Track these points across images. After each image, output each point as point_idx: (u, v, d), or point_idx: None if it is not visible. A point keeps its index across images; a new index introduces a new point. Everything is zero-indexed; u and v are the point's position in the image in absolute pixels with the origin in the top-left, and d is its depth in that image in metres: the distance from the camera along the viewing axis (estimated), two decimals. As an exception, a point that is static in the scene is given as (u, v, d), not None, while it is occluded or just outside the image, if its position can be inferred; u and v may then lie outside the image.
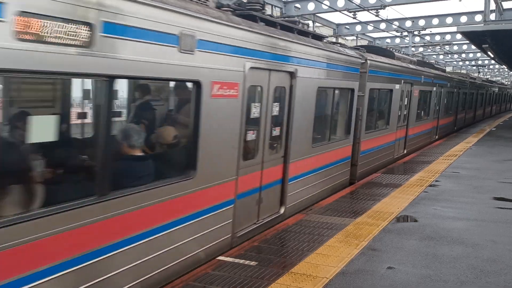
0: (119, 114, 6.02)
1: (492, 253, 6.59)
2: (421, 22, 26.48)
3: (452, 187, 10.83)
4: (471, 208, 9.02)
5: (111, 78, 4.37)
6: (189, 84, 5.62)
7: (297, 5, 20.54)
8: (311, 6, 20.56)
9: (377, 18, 21.83)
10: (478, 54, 40.07)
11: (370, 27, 26.90)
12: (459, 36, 28.12)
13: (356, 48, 12.66)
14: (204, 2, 5.98)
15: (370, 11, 19.93)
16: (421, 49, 36.17)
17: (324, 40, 9.90)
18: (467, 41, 26.14)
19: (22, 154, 4.26)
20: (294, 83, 7.86)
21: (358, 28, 27.42)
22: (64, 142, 5.09)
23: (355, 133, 11.23)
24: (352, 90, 10.70)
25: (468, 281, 5.61)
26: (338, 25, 26.54)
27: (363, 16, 22.54)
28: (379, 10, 19.94)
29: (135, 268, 4.92)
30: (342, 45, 11.52)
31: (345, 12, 19.81)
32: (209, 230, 6.08)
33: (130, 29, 4.47)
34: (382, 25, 26.21)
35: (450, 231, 7.49)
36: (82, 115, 5.52)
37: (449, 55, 38.09)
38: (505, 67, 43.04)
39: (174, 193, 5.36)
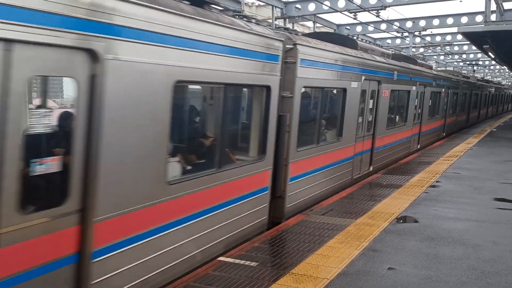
0: None
1: (493, 254, 6.58)
2: (422, 23, 26.47)
3: (453, 188, 10.82)
4: (472, 209, 9.02)
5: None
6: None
7: (298, 5, 20.53)
8: (311, 7, 20.53)
9: (377, 19, 21.81)
10: (479, 55, 40.06)
11: (370, 28, 26.90)
12: (459, 36, 28.11)
13: (284, 29, 10.04)
14: None
15: (371, 11, 19.92)
16: (421, 49, 36.19)
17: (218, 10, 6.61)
18: (468, 42, 26.13)
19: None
20: (100, 69, 4.34)
21: (359, 28, 27.41)
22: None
23: (277, 152, 7.85)
24: (268, 88, 7.35)
25: (469, 282, 5.61)
26: (338, 25, 26.53)
27: (363, 16, 22.53)
28: (379, 11, 19.93)
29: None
30: (255, 21, 7.86)
31: (346, 12, 19.80)
32: None
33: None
34: (383, 26, 26.19)
35: (451, 232, 7.48)
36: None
37: (450, 56, 38.01)
38: (506, 67, 43.03)
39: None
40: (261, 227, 7.66)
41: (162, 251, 5.40)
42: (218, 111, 6.56)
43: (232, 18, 6.72)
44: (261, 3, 18.13)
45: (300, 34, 9.91)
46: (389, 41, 32.55)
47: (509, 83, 73.56)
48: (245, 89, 7.66)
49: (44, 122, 4.14)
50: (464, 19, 24.58)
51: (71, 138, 4.25)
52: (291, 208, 8.55)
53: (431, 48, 34.61)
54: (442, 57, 41.73)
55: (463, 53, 37.35)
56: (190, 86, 6.63)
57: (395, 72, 13.76)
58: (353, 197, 9.68)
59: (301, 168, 8.73)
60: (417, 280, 5.60)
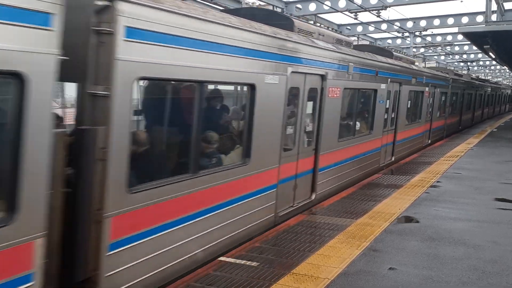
0: None
1: (493, 254, 6.58)
2: (423, 23, 26.51)
3: (453, 188, 10.81)
4: (472, 209, 9.01)
5: None
6: None
7: (299, 5, 20.55)
8: (312, 7, 20.56)
9: (378, 19, 21.84)
10: (479, 55, 40.05)
11: (371, 28, 26.92)
12: (460, 36, 28.13)
13: None
14: None
15: (372, 11, 19.94)
16: (422, 49, 36.21)
17: None
18: (469, 42, 26.13)
19: None
20: None
21: (360, 28, 27.44)
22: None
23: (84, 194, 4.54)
24: (19, 77, 3.70)
25: (470, 282, 5.61)
26: (339, 25, 26.54)
27: (364, 16, 22.48)
28: (380, 11, 19.96)
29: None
30: None
31: (347, 12, 19.83)
32: None
33: None
34: (384, 26, 26.21)
35: (452, 232, 7.48)
36: None
37: (450, 56, 37.97)
38: (506, 67, 43.02)
39: None
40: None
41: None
42: None
43: None
44: (262, 3, 18.11)
45: None
46: (389, 41, 32.59)
47: (510, 83, 73.35)
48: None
49: None
50: (465, 19, 24.61)
51: None
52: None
53: (431, 48, 34.62)
54: (442, 57, 41.71)
55: (464, 53, 37.32)
56: None
57: (351, 64, 10.14)
58: (353, 197, 9.67)
59: (142, 223, 5.17)
60: (418, 280, 5.60)
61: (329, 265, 5.94)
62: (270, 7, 18.50)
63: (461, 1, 21.84)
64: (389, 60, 13.43)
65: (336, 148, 10.08)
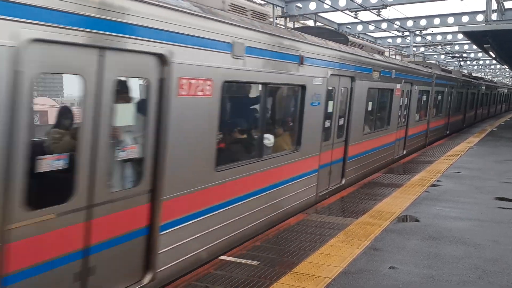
0: None
1: (494, 253, 6.58)
2: (423, 22, 26.48)
3: (454, 187, 10.82)
4: (473, 208, 9.02)
5: None
6: None
7: (299, 4, 20.52)
8: (312, 6, 20.53)
9: (378, 18, 21.82)
10: (480, 54, 40.04)
11: (371, 27, 26.91)
12: (460, 36, 28.12)
13: None
14: None
15: (372, 10, 19.92)
16: (422, 49, 36.18)
17: None
18: (469, 41, 26.12)
19: None
20: None
21: (360, 27, 27.42)
22: None
23: None
24: None
25: (471, 281, 5.61)
26: (339, 24, 26.53)
27: (364, 15, 22.51)
28: (380, 10, 19.94)
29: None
30: None
31: (347, 11, 19.81)
32: None
33: None
34: (384, 25, 26.20)
35: (452, 231, 7.48)
36: None
37: (450, 55, 37.93)
38: (507, 67, 43.02)
39: None
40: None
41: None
42: None
43: None
44: (262, 2, 18.10)
45: None
46: (390, 40, 32.57)
47: (509, 82, 73.30)
48: None
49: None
50: (465, 18, 24.58)
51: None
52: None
53: (431, 47, 34.60)
54: (442, 56, 41.72)
55: (464, 52, 37.29)
56: None
57: (276, 46, 7.33)
58: (354, 196, 9.68)
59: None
60: (419, 279, 5.61)
61: (329, 264, 5.94)
62: (271, 6, 18.52)
63: (461, 0, 21.86)
64: (344, 47, 10.16)
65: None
